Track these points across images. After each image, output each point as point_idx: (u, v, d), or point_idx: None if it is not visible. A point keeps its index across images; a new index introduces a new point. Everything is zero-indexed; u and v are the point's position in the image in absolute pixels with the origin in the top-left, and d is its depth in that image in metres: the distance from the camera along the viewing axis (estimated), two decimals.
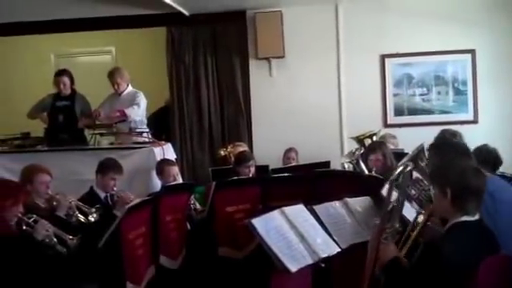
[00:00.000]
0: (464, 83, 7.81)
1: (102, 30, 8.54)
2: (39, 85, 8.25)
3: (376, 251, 3.11)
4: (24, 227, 4.18)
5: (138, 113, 6.92)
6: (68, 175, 6.03)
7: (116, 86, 7.04)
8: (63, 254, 4.25)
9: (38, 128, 7.23)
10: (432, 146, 4.37)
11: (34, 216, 4.30)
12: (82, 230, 4.50)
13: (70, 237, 4.36)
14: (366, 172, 5.68)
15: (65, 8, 7.41)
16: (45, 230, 4.19)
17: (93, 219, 4.64)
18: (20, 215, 4.16)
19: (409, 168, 3.52)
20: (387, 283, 3.07)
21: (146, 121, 7.11)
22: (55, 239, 4.24)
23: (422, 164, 4.43)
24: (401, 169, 3.37)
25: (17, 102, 9.11)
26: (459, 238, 3.00)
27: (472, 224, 3.07)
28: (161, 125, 8.01)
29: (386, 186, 4.03)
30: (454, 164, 3.35)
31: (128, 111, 6.80)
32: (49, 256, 4.16)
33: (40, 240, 4.16)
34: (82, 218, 4.64)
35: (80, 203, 4.76)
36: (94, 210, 4.70)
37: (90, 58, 9.85)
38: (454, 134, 5.60)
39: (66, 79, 7.09)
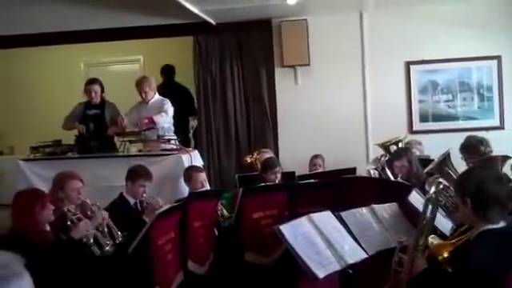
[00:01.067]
0: (489, 89, 7.73)
1: (130, 40, 8.62)
2: (70, 93, 8.36)
3: (411, 267, 3.10)
4: (68, 222, 4.24)
5: (167, 120, 6.95)
6: (98, 181, 6.11)
7: (143, 95, 7.07)
8: (96, 256, 4.30)
9: (69, 135, 7.31)
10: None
11: (79, 213, 4.37)
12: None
13: (108, 242, 4.42)
14: (392, 178, 5.63)
15: (94, 18, 7.52)
16: (85, 229, 4.25)
17: (117, 241, 4.58)
18: (66, 209, 4.24)
19: (441, 186, 3.48)
20: None
21: (173, 128, 7.15)
22: (92, 240, 4.30)
23: (449, 170, 4.40)
24: (436, 187, 3.33)
25: (48, 110, 9.25)
26: (485, 247, 2.95)
27: (497, 232, 3.01)
28: None
29: (418, 198, 4.01)
30: (473, 172, 3.29)
31: (156, 118, 6.84)
32: (84, 256, 4.22)
33: (77, 239, 4.22)
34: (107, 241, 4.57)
35: (112, 224, 4.67)
36: (121, 235, 4.61)
37: (119, 67, 9.97)
38: (481, 140, 5.55)
39: (97, 87, 7.18)
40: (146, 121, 6.85)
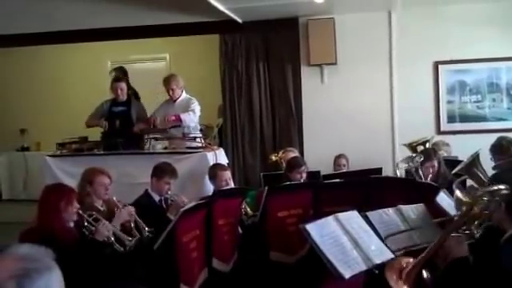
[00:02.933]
0: None
1: (156, 38, 8.67)
2: (96, 91, 8.43)
3: (443, 241, 3.03)
4: (85, 223, 4.28)
5: (194, 119, 6.98)
6: (123, 178, 6.14)
7: (171, 93, 7.10)
8: (120, 253, 4.33)
9: (95, 132, 7.38)
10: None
11: (94, 213, 4.40)
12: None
13: (129, 238, 4.45)
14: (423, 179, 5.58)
15: (121, 16, 7.56)
16: (106, 231, 4.28)
17: (145, 236, 4.61)
18: (80, 212, 4.28)
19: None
20: (448, 277, 2.99)
21: (199, 126, 7.16)
22: (113, 238, 4.33)
23: (477, 172, 4.35)
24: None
25: (75, 107, 9.35)
26: None
27: None
28: None
29: (446, 199, 3.95)
30: (505, 176, 3.21)
31: (184, 116, 6.87)
32: (107, 255, 4.25)
33: (101, 240, 4.25)
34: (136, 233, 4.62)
35: (139, 219, 4.70)
36: (148, 230, 4.65)
37: (145, 65, 10.04)
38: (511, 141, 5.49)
39: (123, 85, 7.24)
40: (173, 118, 6.88)
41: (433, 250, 3.04)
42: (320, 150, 7.64)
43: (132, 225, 4.64)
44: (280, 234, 4.88)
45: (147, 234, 4.62)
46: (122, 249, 4.36)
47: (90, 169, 5.10)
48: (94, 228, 4.28)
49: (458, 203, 3.22)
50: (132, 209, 4.72)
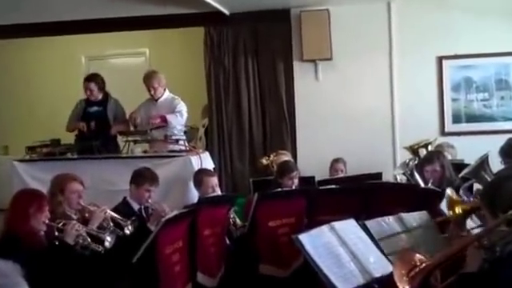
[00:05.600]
0: None
1: (135, 31, 8.65)
2: (69, 89, 8.41)
3: (458, 251, 3.05)
4: (56, 233, 4.29)
5: (181, 122, 7.03)
6: (99, 185, 6.15)
7: (152, 91, 7.09)
8: (100, 253, 4.38)
9: (68, 135, 7.36)
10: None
11: (63, 221, 4.41)
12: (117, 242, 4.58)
13: (105, 233, 4.52)
14: (422, 184, 5.61)
15: (96, 7, 7.55)
16: (74, 229, 4.29)
17: (128, 232, 4.70)
18: (47, 222, 4.28)
19: None
20: None
21: (184, 128, 7.17)
22: (89, 239, 4.34)
23: (486, 176, 4.38)
24: None
25: (46, 107, 9.31)
26: None
27: None
28: None
29: None
30: (505, 185, 3.16)
31: (170, 118, 6.88)
32: (86, 258, 4.27)
33: (73, 244, 4.26)
34: (117, 230, 4.70)
35: (115, 214, 4.84)
36: (129, 222, 4.76)
37: (123, 61, 10.02)
38: None
39: (92, 85, 7.20)
40: (159, 120, 6.87)
41: (444, 259, 3.06)
42: (315, 154, 7.66)
43: (111, 223, 4.69)
44: (271, 245, 4.89)
45: (129, 226, 4.69)
46: (100, 248, 4.38)
47: (61, 175, 5.11)
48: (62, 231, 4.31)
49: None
50: (105, 207, 4.77)
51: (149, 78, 7.12)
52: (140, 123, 6.99)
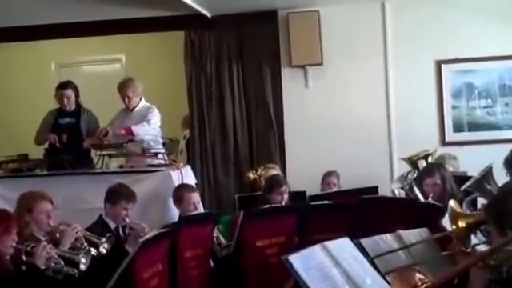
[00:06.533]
0: None
1: (110, 35, 8.64)
2: (38, 99, 8.38)
3: (462, 270, 3.04)
4: (23, 257, 4.25)
5: (149, 131, 6.94)
6: (72, 203, 6.13)
7: (127, 101, 7.07)
8: (74, 276, 4.34)
9: (37, 149, 7.32)
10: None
11: (32, 243, 4.36)
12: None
13: (79, 254, 4.48)
14: (422, 199, 5.62)
15: (67, 11, 7.51)
16: (45, 252, 4.25)
17: (104, 250, 4.67)
18: (15, 245, 4.23)
19: None
20: None
21: (161, 140, 7.14)
22: (62, 261, 4.30)
23: (490, 188, 4.39)
24: None
25: (12, 118, 9.25)
26: None
27: None
28: None
29: None
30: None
31: (136, 129, 6.82)
32: (58, 283, 4.23)
33: (44, 268, 4.22)
34: (92, 250, 4.67)
35: (88, 233, 4.81)
36: (104, 239, 4.74)
37: (97, 68, 10.02)
38: None
39: (70, 92, 7.20)
40: (123, 132, 6.83)
41: (446, 279, 3.05)
42: (305, 167, 7.67)
43: (84, 243, 4.67)
44: (259, 266, 4.87)
45: (105, 244, 4.68)
46: (75, 271, 4.35)
47: (28, 193, 5.06)
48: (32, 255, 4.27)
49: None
50: (76, 225, 4.74)
51: (123, 87, 7.10)
52: (112, 137, 6.94)
